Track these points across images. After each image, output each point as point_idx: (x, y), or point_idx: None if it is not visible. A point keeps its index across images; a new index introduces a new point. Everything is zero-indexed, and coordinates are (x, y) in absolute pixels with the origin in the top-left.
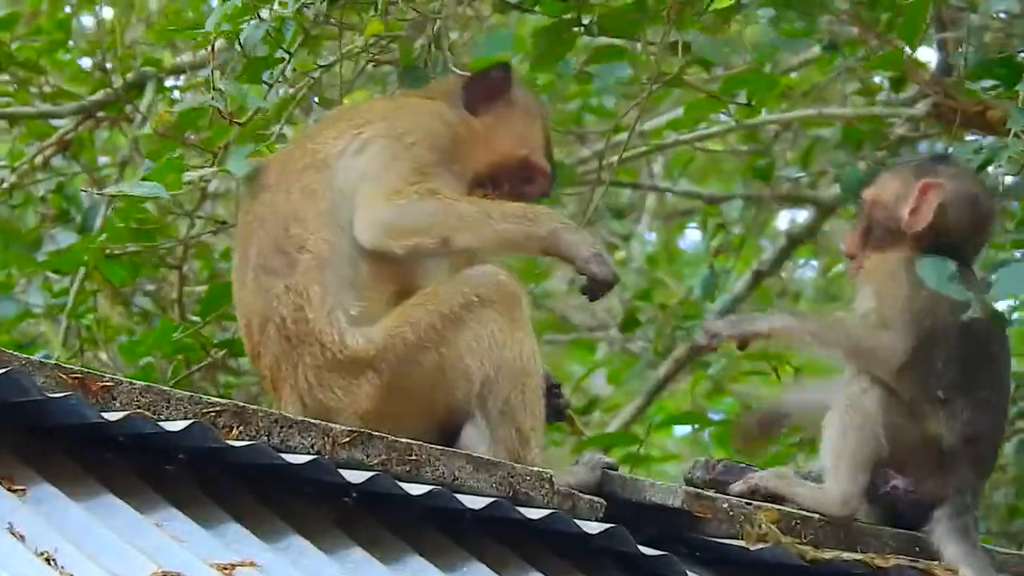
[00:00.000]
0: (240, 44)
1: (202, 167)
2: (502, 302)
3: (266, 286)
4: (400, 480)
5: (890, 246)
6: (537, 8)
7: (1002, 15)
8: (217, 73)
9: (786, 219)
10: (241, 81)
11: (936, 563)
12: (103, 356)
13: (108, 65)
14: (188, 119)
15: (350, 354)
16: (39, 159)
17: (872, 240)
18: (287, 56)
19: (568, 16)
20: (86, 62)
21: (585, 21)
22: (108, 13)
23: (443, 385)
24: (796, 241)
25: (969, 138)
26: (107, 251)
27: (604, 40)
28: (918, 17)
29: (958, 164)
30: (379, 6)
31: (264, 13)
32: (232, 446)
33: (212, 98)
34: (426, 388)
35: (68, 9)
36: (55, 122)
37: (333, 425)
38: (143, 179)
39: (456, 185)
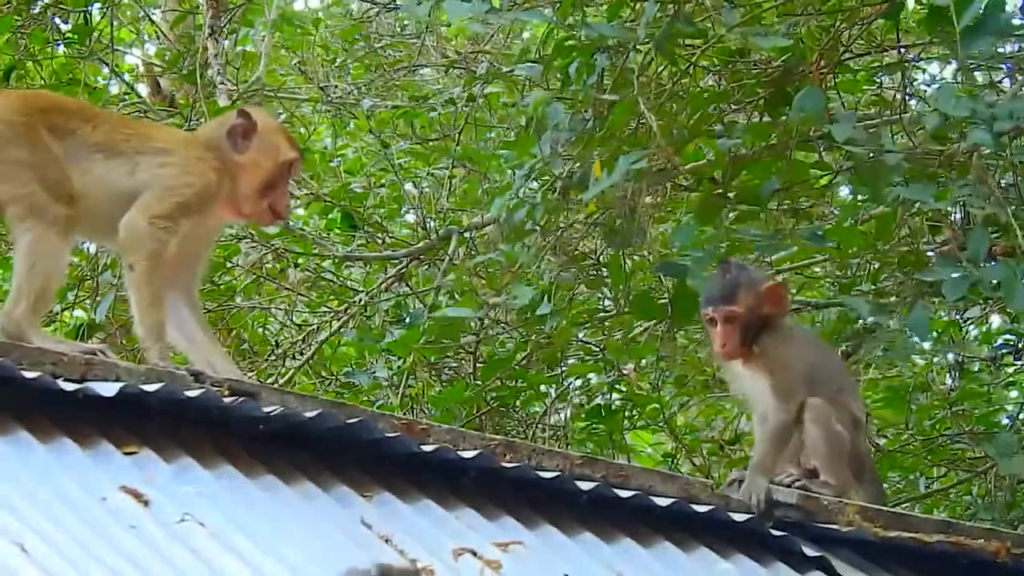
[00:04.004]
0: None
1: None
2: None
3: None
4: (614, 487)
5: (758, 333)
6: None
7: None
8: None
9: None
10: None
11: None
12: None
13: (429, 223)
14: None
15: None
16: (383, 285)
17: (746, 335)
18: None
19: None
20: (411, 219)
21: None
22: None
23: None
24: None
25: None
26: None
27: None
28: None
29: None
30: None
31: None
32: (504, 466)
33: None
34: None
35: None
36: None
37: (572, 453)
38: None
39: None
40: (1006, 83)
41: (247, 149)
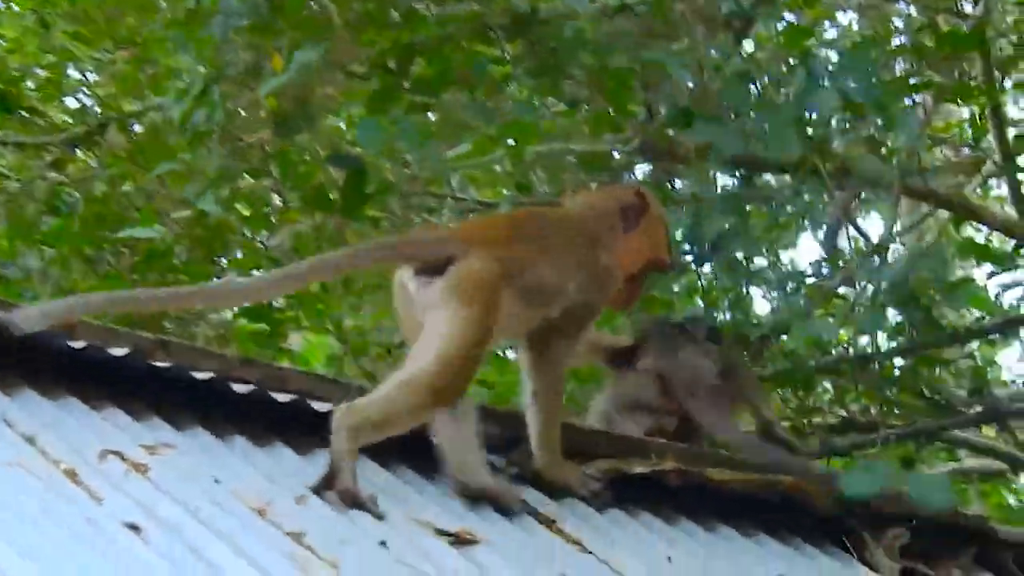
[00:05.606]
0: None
1: None
2: None
3: None
4: (271, 391)
5: None
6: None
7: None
8: None
9: None
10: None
11: None
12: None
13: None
14: None
15: None
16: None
17: None
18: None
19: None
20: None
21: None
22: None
23: None
24: None
25: None
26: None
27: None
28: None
29: None
30: None
31: None
32: (157, 366)
33: None
34: None
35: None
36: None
37: (230, 354)
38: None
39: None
40: None
41: (632, 230)
